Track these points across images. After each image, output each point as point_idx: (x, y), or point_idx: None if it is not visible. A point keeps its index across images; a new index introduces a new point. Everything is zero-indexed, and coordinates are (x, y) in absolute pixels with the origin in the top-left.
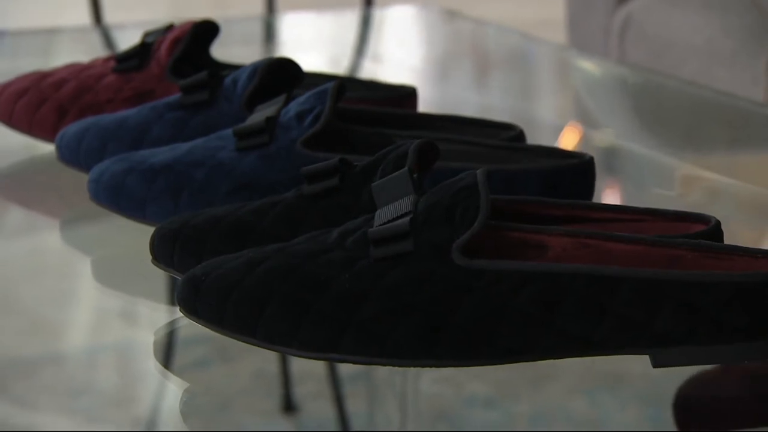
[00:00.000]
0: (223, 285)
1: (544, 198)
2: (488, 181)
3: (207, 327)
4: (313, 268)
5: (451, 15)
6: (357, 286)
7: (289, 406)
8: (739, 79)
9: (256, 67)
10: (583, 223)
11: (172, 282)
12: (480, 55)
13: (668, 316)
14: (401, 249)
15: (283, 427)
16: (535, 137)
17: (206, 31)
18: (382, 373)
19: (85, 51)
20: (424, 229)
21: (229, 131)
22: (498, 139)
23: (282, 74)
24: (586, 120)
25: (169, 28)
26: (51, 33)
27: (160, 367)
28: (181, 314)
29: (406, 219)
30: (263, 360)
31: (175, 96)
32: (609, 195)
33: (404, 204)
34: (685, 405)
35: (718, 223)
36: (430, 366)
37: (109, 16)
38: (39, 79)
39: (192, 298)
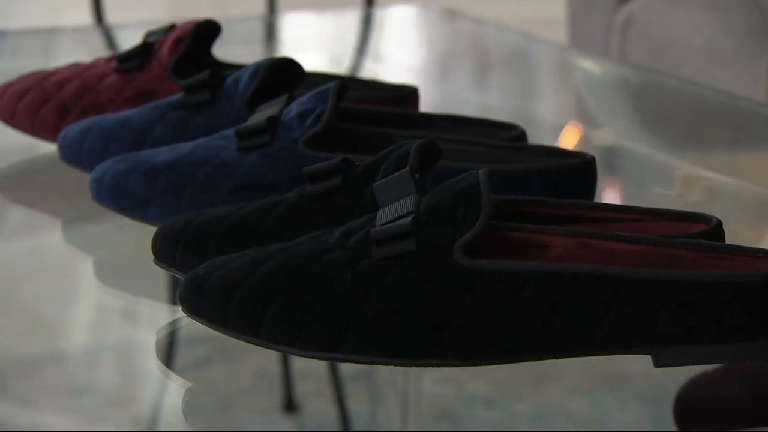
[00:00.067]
0: (226, 285)
1: (546, 198)
2: (490, 181)
3: (210, 327)
4: (316, 268)
5: (452, 15)
6: (359, 286)
7: (290, 405)
8: (739, 78)
9: (257, 67)
10: (584, 222)
11: (174, 281)
12: (480, 54)
13: (669, 315)
14: (403, 249)
15: (285, 426)
16: (535, 137)
17: (208, 31)
18: (384, 372)
19: (86, 51)
20: (426, 228)
21: (230, 131)
22: (499, 138)
23: (283, 74)
24: (587, 119)
25: (171, 28)
26: (52, 33)
27: (161, 366)
28: (183, 314)
29: (408, 219)
30: (265, 359)
31: (177, 96)
32: (609, 194)
33: (406, 204)
34: (685, 405)
35: (719, 223)
36: (432, 366)
37: (110, 15)
38: (41, 79)
39: (195, 298)
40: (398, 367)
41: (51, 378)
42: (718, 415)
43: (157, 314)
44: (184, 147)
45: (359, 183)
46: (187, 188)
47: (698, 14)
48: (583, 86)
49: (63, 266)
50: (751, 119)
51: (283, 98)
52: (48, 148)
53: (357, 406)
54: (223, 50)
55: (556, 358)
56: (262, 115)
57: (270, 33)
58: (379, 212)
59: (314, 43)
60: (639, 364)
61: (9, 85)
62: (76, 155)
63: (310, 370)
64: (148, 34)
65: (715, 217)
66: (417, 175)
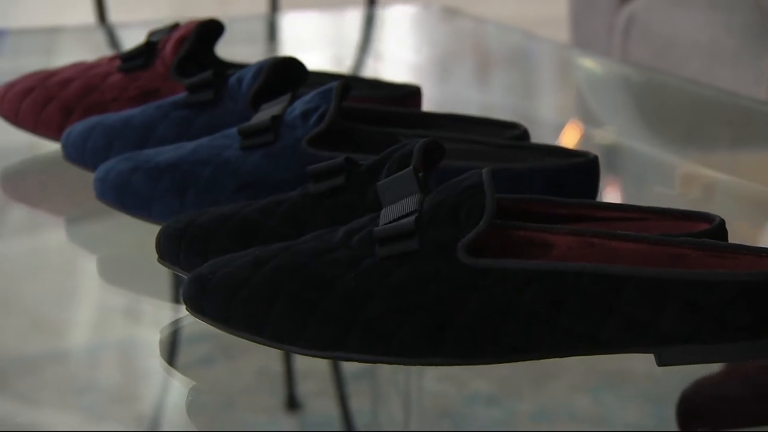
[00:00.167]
0: (230, 284)
1: (549, 197)
2: (493, 180)
3: (214, 326)
4: (319, 267)
5: (453, 13)
6: (363, 285)
7: (292, 403)
8: (741, 78)
9: (261, 66)
10: (587, 222)
11: (177, 280)
12: (482, 53)
13: (673, 314)
14: (407, 248)
15: (287, 424)
16: (537, 135)
17: (211, 30)
18: (386, 371)
19: (89, 50)
20: (429, 227)
21: (234, 130)
22: (502, 137)
23: (287, 73)
24: (588, 118)
25: (174, 27)
26: (54, 32)
27: (164, 364)
28: (186, 312)
29: (412, 218)
30: (267, 357)
31: (181, 95)
32: (610, 193)
33: (409, 203)
34: (688, 405)
35: (722, 222)
36: (436, 364)
37: (113, 15)
38: (44, 78)
39: (198, 297)
40: (400, 366)
41: (54, 376)
42: (721, 415)
43: (160, 313)
44: (187, 146)
45: (362, 182)
46: (191, 187)
47: (700, 14)
48: (584, 85)
49: (66, 265)
50: (753, 118)
51: (287, 97)
52: (51, 147)
53: (359, 404)
54: (225, 49)
55: (560, 357)
56: (265, 114)
57: (272, 32)
58: (383, 211)
59: (316, 42)
60: (642, 363)
61: (12, 85)
62: (79, 154)
63: (312, 369)
64: (152, 34)
65: (718, 216)
66: (420, 174)
